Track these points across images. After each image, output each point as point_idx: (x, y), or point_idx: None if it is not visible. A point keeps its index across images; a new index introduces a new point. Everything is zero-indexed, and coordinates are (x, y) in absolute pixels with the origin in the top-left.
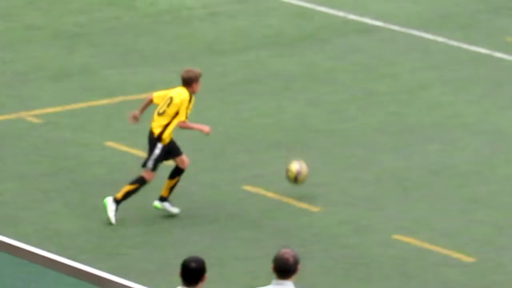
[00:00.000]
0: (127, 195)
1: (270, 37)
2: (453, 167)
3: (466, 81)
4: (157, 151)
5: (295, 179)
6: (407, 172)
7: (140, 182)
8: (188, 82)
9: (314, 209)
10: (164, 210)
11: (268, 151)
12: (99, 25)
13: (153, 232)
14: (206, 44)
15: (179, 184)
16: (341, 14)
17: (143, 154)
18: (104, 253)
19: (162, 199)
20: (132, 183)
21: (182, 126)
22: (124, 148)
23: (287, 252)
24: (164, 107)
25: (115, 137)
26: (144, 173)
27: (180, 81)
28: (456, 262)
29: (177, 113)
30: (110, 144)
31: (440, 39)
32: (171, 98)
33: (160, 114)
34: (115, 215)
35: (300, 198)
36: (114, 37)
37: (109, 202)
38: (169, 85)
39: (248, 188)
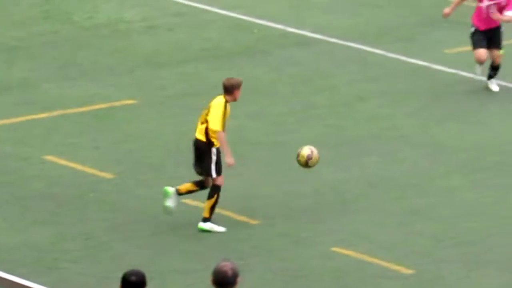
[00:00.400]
0: (212, 210)
1: (209, 50)
2: (391, 179)
3: (404, 94)
4: (214, 156)
5: (306, 164)
6: (346, 185)
7: (216, 191)
8: (229, 89)
9: (254, 222)
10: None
11: None
12: (38, 39)
13: (93, 246)
14: (145, 57)
15: (118, 197)
16: (280, 26)
17: (81, 167)
18: (43, 267)
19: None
20: (210, 197)
21: (218, 139)
22: (63, 162)
23: (226, 265)
24: (205, 116)
25: (54, 151)
26: (215, 182)
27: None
28: (395, 274)
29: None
30: (49, 158)
31: (378, 51)
32: (209, 106)
33: (202, 123)
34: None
35: (240, 211)
36: (52, 50)
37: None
38: (108, 99)
39: (188, 200)
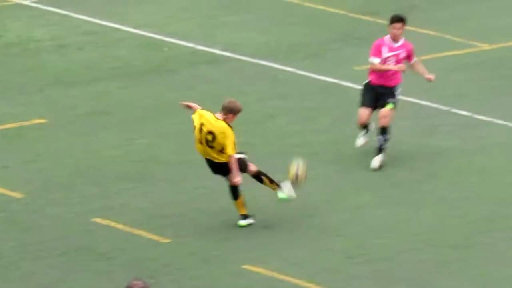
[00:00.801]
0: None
1: (119, 68)
2: (303, 196)
3: (314, 111)
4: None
5: (295, 181)
6: (256, 202)
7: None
8: (235, 111)
9: (164, 240)
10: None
11: (117, 183)
12: None
13: (2, 265)
14: (55, 76)
15: (28, 217)
16: (190, 45)
17: None
18: None
19: (245, 216)
20: (271, 180)
21: (232, 161)
22: None
23: (137, 284)
24: (212, 143)
25: None
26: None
27: None
28: None
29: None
30: None
31: (288, 69)
32: (214, 133)
33: (215, 149)
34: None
35: (150, 230)
36: None
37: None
38: (18, 118)
39: (98, 220)
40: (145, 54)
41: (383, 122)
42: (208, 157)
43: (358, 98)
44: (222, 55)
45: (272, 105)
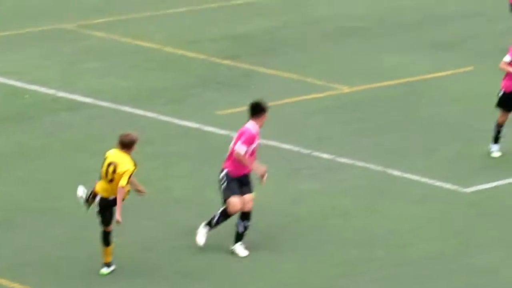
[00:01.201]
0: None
1: None
2: (164, 240)
3: (176, 156)
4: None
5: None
6: (119, 249)
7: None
8: (131, 145)
9: None
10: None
11: None
12: None
13: None
14: None
15: None
16: (51, 91)
17: None
18: None
19: (108, 264)
20: None
21: (121, 193)
22: None
23: None
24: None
25: None
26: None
27: None
28: None
29: None
30: None
31: (150, 114)
32: (115, 164)
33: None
34: None
35: (12, 278)
36: None
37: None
38: None
39: None
40: (6, 102)
41: (248, 207)
42: (104, 194)
43: (219, 143)
44: (83, 102)
45: (134, 150)
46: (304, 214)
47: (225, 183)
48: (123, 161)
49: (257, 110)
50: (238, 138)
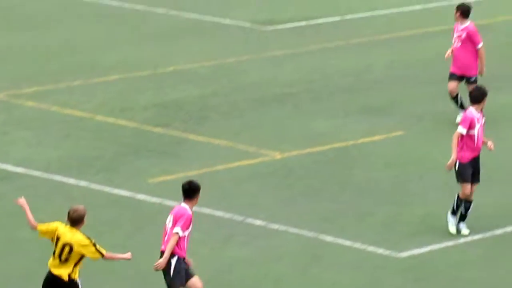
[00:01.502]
0: None
1: None
2: None
3: (108, 225)
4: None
5: None
6: None
7: None
8: (81, 220)
9: None
10: None
11: None
12: None
13: None
14: None
15: None
16: None
17: None
18: None
19: None
20: None
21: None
22: None
23: None
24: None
25: None
26: None
27: None
28: None
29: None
30: None
31: (82, 183)
32: (71, 244)
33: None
34: None
35: None
36: None
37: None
38: None
39: None
40: None
41: None
42: (55, 273)
43: (152, 211)
44: (14, 172)
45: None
46: (237, 281)
47: (177, 271)
48: (77, 240)
49: (191, 191)
50: (176, 221)
